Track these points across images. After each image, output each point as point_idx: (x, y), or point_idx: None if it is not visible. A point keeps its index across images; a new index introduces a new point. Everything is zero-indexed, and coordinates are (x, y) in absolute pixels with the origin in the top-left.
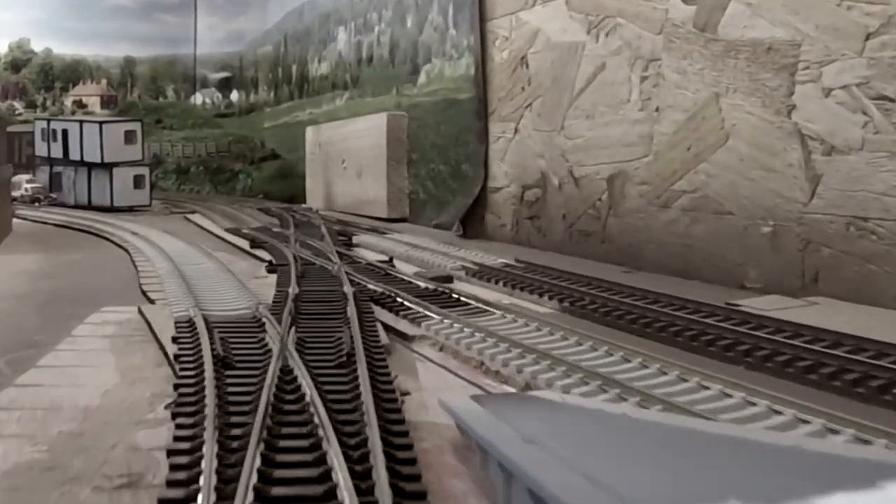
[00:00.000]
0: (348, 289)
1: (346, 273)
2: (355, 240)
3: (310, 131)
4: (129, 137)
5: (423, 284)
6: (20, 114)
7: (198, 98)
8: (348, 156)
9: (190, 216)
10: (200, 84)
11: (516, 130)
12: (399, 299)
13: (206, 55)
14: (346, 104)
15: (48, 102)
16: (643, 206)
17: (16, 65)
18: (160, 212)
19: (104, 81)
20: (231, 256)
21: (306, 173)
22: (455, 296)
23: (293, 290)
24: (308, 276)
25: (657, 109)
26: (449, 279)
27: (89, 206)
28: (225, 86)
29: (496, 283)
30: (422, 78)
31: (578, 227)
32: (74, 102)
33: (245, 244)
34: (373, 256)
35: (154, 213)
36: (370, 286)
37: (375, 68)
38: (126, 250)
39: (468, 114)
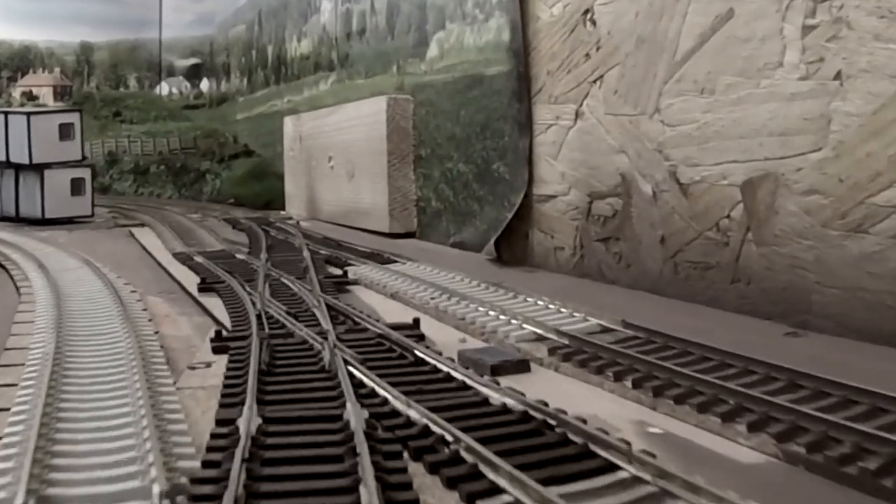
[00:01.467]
0: (361, 440)
1: (349, 364)
2: (351, 273)
3: (288, 122)
4: (65, 132)
5: (493, 397)
6: None
7: (163, 88)
8: (336, 152)
9: (138, 231)
10: (166, 72)
11: (578, 115)
12: (466, 457)
13: (173, 40)
14: (333, 88)
15: None
16: (814, 228)
17: None
18: (103, 224)
19: (58, 70)
20: (168, 308)
21: (285, 173)
22: (569, 439)
23: (246, 430)
24: (278, 374)
25: (839, 76)
26: (523, 366)
27: (17, 219)
28: (194, 74)
29: (614, 379)
30: (432, 50)
31: (688, 256)
32: (24, 94)
33: (196, 280)
34: (381, 307)
35: (95, 227)
36: (396, 404)
37: (369, 42)
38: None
39: (501, 94)
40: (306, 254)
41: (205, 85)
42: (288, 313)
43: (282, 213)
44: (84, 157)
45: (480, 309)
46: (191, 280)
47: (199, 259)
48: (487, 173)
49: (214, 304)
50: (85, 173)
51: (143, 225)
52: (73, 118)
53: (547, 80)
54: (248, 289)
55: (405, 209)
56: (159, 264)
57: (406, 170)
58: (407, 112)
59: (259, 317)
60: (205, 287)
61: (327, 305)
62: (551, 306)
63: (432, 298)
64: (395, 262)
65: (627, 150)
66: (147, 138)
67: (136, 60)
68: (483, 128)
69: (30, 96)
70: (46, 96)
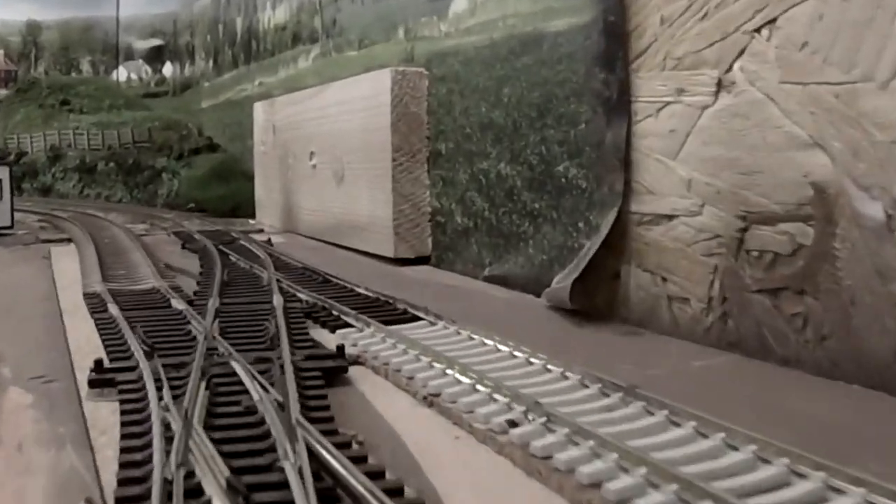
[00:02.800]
0: None
1: None
2: (349, 344)
3: (259, 109)
4: None
5: None
6: None
7: (121, 73)
8: (320, 147)
9: (58, 250)
10: (124, 55)
11: (721, 87)
12: None
13: (132, 18)
14: (315, 65)
15: None
16: None
17: None
18: (20, 239)
19: (0, 53)
20: (31, 420)
21: (255, 174)
22: None
23: None
24: None
25: None
26: None
27: None
28: (156, 57)
29: None
30: (458, 3)
31: None
32: None
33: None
34: (416, 435)
35: (6, 244)
36: None
37: (363, 1)
38: None
39: (573, 61)
40: (277, 300)
41: (168, 70)
42: (231, 487)
43: (250, 222)
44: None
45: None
46: (89, 351)
47: (112, 308)
48: (548, 178)
49: (107, 420)
50: (1, 174)
51: (69, 240)
52: None
53: (660, 34)
54: (165, 399)
55: (416, 225)
56: (60, 312)
57: (417, 171)
58: (419, 91)
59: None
60: (99, 380)
61: (312, 454)
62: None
63: (513, 425)
64: (415, 316)
65: (829, 144)
66: (96, 130)
67: (89, 42)
68: (541, 111)
69: None
70: None
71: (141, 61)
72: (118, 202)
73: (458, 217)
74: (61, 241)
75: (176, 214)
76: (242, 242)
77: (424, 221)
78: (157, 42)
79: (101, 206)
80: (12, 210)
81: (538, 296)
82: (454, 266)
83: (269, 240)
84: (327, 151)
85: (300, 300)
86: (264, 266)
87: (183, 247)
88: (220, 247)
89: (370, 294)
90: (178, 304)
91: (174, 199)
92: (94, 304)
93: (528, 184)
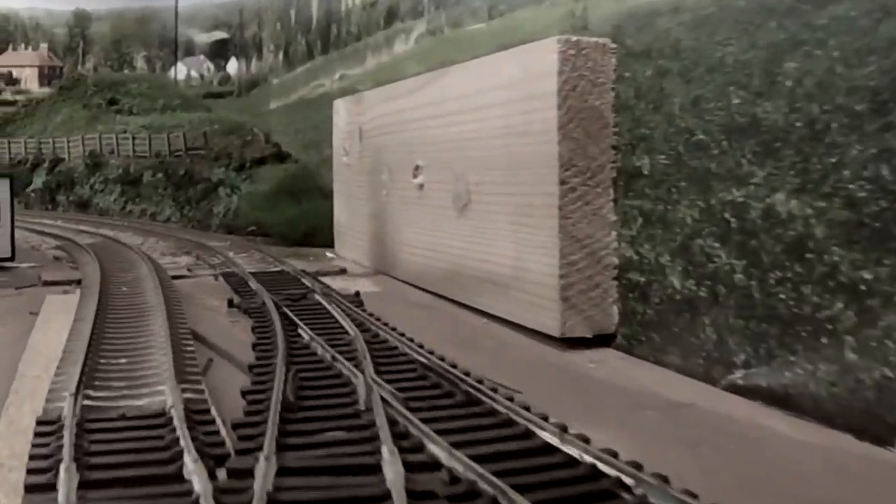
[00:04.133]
0: None
1: None
2: None
3: (341, 107)
4: None
5: None
6: None
7: (180, 70)
8: (431, 158)
9: (57, 301)
10: (184, 50)
11: None
12: None
13: (193, 9)
14: (420, 47)
15: None
16: None
17: None
18: (19, 277)
19: (44, 46)
20: None
21: (335, 191)
22: None
23: None
24: None
25: None
26: None
27: None
28: (219, 52)
29: None
30: None
31: None
32: (1, 76)
33: None
34: None
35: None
36: None
37: None
38: None
39: None
40: (393, 476)
41: (233, 66)
42: None
43: (328, 255)
44: None
45: None
46: None
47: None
48: (892, 224)
49: None
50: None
51: (78, 282)
52: None
53: None
54: None
55: (594, 286)
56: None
57: (599, 201)
58: (603, 74)
59: None
60: None
61: None
62: None
63: None
64: None
65: None
66: (143, 135)
67: (145, 35)
68: (877, 104)
69: (8, 79)
70: (31, 79)
71: (202, 57)
72: (166, 221)
73: (676, 278)
74: (67, 283)
75: (231, 243)
76: (319, 299)
77: (608, 280)
78: (220, 35)
79: (143, 226)
80: (13, 236)
81: (877, 441)
82: (663, 356)
83: (358, 294)
84: (443, 166)
85: (436, 463)
86: (357, 359)
87: (231, 304)
88: (286, 308)
89: (561, 443)
90: (195, 473)
91: (232, 219)
92: (37, 473)
93: (844, 232)
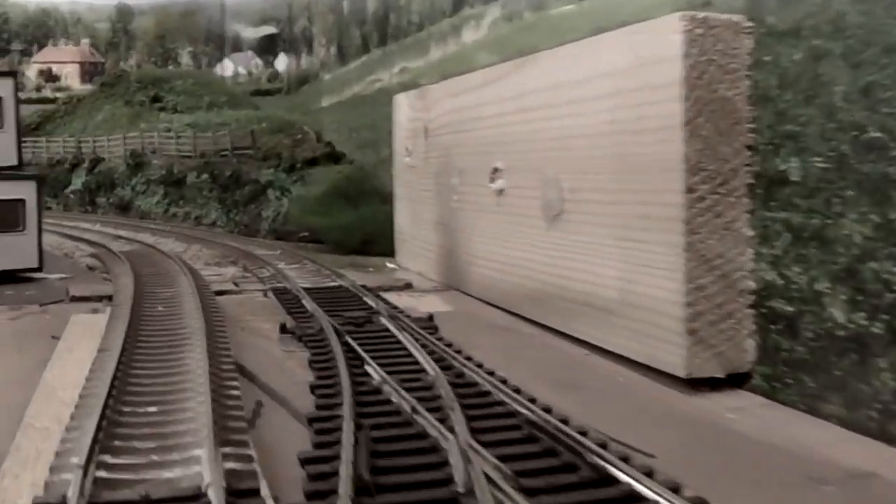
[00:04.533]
0: None
1: None
2: None
3: (403, 103)
4: None
5: None
6: None
7: (226, 67)
8: (513, 159)
9: (84, 322)
10: (231, 46)
11: None
12: None
13: (241, 3)
14: (494, 34)
15: None
16: None
17: None
18: (45, 291)
19: (86, 42)
20: None
21: (395, 195)
22: None
23: None
24: None
25: None
26: None
27: None
28: (268, 47)
29: None
30: None
31: None
32: (41, 73)
33: None
34: None
35: (18, 302)
36: None
37: None
38: None
39: None
40: None
41: (282, 62)
42: None
43: (388, 265)
44: (21, 162)
45: None
46: None
47: None
48: None
49: None
50: (23, 190)
51: (109, 298)
52: (2, 88)
53: None
54: None
55: (726, 316)
56: None
57: (732, 212)
58: (736, 59)
59: None
60: None
61: None
62: None
63: None
64: None
65: None
66: (188, 133)
67: (190, 29)
68: None
69: (49, 76)
70: (71, 76)
71: (250, 52)
72: (211, 225)
73: (838, 309)
74: (97, 300)
75: (281, 252)
76: (385, 323)
77: (742, 308)
78: (269, 30)
79: (186, 231)
80: (40, 244)
81: None
82: (820, 404)
83: (431, 317)
84: (528, 169)
85: None
86: (443, 411)
87: (283, 329)
88: (347, 335)
89: None
90: None
91: (282, 224)
92: None
93: None
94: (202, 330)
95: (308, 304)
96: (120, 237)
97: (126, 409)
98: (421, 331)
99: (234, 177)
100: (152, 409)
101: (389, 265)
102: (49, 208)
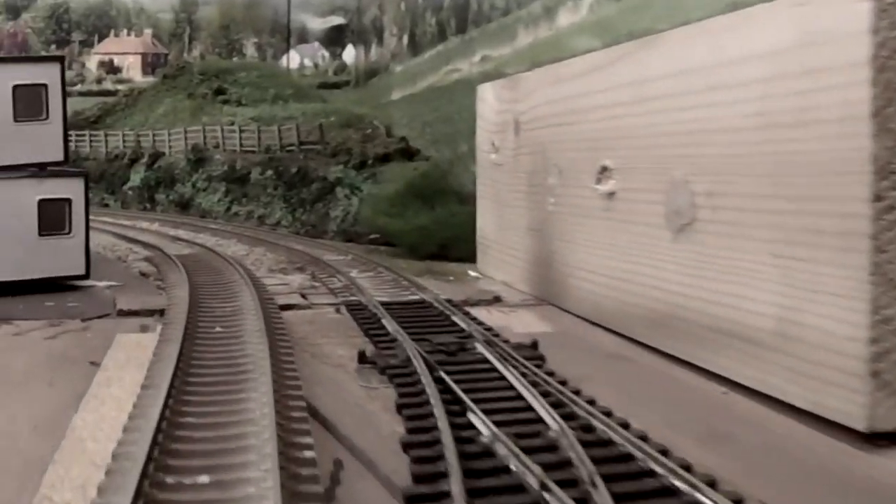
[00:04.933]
0: None
1: None
2: None
3: (488, 94)
4: (30, 103)
5: None
6: None
7: (292, 58)
8: (627, 156)
9: (130, 342)
10: (298, 37)
11: None
12: None
13: None
14: (595, 16)
15: None
16: None
17: (13, 7)
18: (91, 301)
19: (148, 32)
20: None
21: (478, 195)
22: None
23: None
24: None
25: None
26: None
27: None
28: (335, 39)
29: None
30: None
31: None
32: (102, 64)
33: None
34: None
35: (59, 316)
36: None
37: None
38: None
39: None
40: None
41: (349, 54)
42: None
43: (471, 273)
44: (68, 157)
45: None
46: None
47: None
48: None
49: None
50: (71, 188)
51: (161, 313)
52: (48, 74)
53: None
54: None
55: None
56: None
57: None
58: None
59: None
60: None
61: None
62: None
63: None
64: None
65: None
66: (252, 127)
67: (255, 20)
68: None
69: (110, 67)
70: (133, 67)
71: (317, 44)
72: (275, 225)
73: None
74: (147, 314)
75: (352, 257)
76: (482, 351)
77: None
78: (337, 20)
79: (249, 232)
80: (87, 248)
81: None
82: None
83: (535, 343)
84: (648, 168)
85: None
86: (578, 485)
87: (362, 359)
88: (440, 368)
89: None
90: None
91: (351, 225)
92: None
93: None
94: (267, 359)
95: (388, 324)
96: (179, 239)
97: (170, 479)
98: (526, 362)
99: (301, 174)
100: (203, 478)
101: (472, 273)
102: (106, 205)
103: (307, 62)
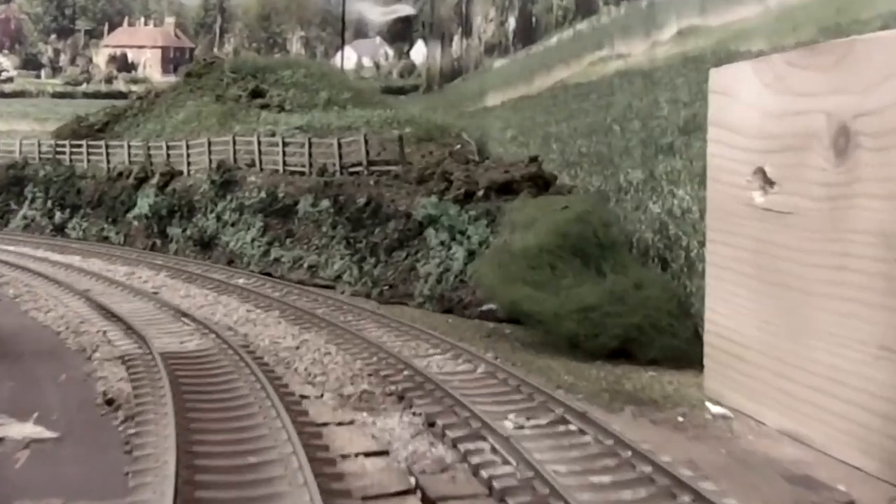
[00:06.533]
0: None
1: None
2: None
3: (747, 79)
4: None
5: None
6: (8, 79)
7: (348, 56)
8: None
9: None
10: (354, 31)
11: None
12: None
13: None
14: None
15: (63, 58)
16: None
17: None
18: None
19: (170, 22)
20: None
21: (708, 262)
22: None
23: None
24: None
25: None
26: None
27: None
28: (401, 34)
29: None
30: None
31: None
32: (112, 59)
33: None
34: None
35: None
36: None
37: None
38: None
39: None
40: None
41: (419, 52)
42: None
43: (712, 408)
44: None
45: None
46: None
47: None
48: None
49: None
50: None
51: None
52: None
53: None
54: None
55: None
56: None
57: None
58: None
59: None
60: None
61: None
62: None
63: None
64: None
65: None
66: (300, 139)
67: (302, 10)
68: None
69: (122, 63)
70: (151, 64)
71: (378, 39)
72: (334, 280)
73: None
74: None
75: (468, 360)
76: None
77: None
78: (403, 10)
79: (298, 300)
80: None
81: None
82: None
83: None
84: None
85: None
86: None
87: None
88: None
89: None
90: None
91: (452, 288)
92: None
93: None
94: None
95: None
96: (184, 315)
97: None
98: None
99: (372, 207)
100: None
101: (712, 408)
102: (106, 238)
103: (366, 61)
